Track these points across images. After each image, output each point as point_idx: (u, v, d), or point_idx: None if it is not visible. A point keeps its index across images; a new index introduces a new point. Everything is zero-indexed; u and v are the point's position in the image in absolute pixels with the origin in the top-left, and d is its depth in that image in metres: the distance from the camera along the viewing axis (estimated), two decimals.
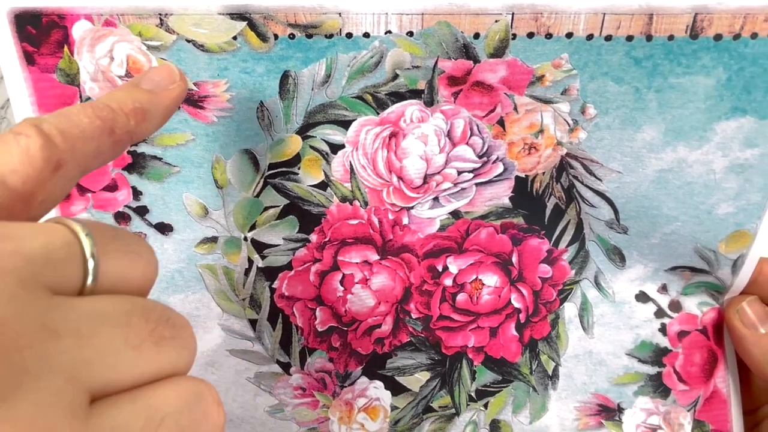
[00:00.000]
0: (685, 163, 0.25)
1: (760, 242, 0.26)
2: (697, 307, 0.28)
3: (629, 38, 0.23)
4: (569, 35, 0.23)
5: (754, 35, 0.23)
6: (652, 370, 0.29)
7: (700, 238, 0.27)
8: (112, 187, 0.25)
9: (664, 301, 0.28)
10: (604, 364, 0.29)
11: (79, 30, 0.23)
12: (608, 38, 0.23)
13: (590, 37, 0.23)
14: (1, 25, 0.22)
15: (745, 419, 0.29)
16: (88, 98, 0.24)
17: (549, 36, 0.23)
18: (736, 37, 0.23)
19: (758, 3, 0.22)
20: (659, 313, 0.28)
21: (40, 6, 0.22)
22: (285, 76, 0.24)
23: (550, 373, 0.29)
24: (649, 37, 0.23)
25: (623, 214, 0.26)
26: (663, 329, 0.28)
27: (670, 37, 0.23)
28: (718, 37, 0.23)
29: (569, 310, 0.28)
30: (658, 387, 0.29)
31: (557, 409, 0.29)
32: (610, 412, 0.29)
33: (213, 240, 0.26)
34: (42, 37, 0.23)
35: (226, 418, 0.28)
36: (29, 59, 0.23)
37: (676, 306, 0.28)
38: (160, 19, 0.23)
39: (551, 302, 0.28)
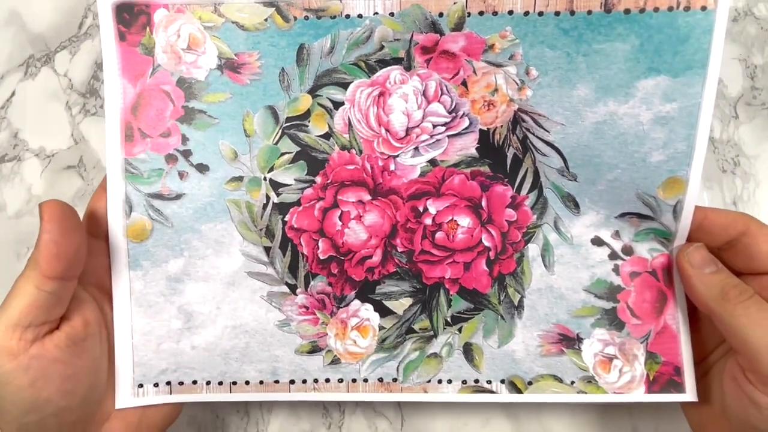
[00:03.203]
0: (616, 115, 0.31)
1: (693, 187, 0.31)
2: (648, 252, 0.33)
3: (557, 13, 0.30)
4: (510, 12, 0.30)
5: (656, 9, 0.29)
6: (608, 305, 0.33)
7: (640, 185, 0.32)
8: (167, 134, 0.33)
9: (617, 245, 0.33)
10: (564, 298, 0.33)
11: (158, 16, 0.32)
12: (540, 14, 0.30)
13: (527, 13, 0.30)
14: (106, 13, 0.32)
15: (696, 368, 0.32)
16: (159, 65, 0.32)
17: (495, 13, 0.30)
18: (642, 11, 0.29)
19: None
20: (613, 255, 0.33)
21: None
22: (301, 48, 0.32)
23: (516, 303, 0.33)
24: (572, 12, 0.30)
25: (571, 162, 0.32)
26: (616, 269, 0.33)
27: (589, 12, 0.30)
28: (627, 11, 0.29)
29: (533, 250, 0.33)
30: (613, 320, 0.32)
31: (522, 336, 0.33)
32: (570, 341, 0.33)
33: (239, 179, 0.33)
34: (132, 20, 0.32)
35: (243, 329, 0.34)
36: (122, 37, 0.32)
37: (628, 250, 0.33)
38: (215, 7, 0.32)
39: (517, 243, 0.33)
